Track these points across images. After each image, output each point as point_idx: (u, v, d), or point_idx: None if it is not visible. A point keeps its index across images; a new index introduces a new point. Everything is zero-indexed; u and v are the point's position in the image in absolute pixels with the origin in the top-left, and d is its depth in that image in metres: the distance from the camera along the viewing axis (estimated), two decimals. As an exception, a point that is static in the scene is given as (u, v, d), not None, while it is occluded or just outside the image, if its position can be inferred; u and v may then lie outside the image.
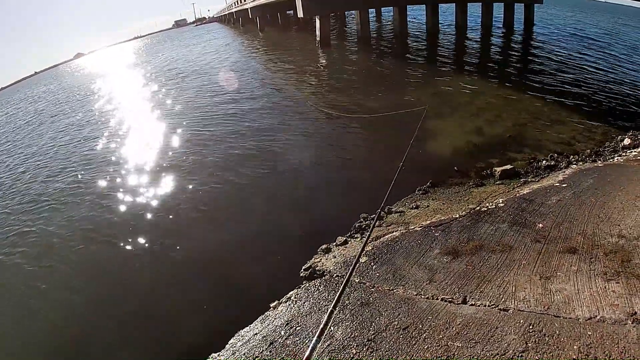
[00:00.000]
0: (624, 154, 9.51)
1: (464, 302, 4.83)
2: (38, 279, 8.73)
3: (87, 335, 7.07)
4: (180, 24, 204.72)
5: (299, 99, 17.52)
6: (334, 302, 3.73)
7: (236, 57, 33.71)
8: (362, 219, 7.49)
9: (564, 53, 23.11)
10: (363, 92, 16.26)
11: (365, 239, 4.98)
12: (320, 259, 6.58)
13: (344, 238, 6.99)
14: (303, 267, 6.51)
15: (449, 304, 4.84)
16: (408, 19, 31.16)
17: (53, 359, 6.76)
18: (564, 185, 7.72)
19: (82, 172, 14.24)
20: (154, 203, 10.59)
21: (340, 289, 3.89)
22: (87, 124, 22.16)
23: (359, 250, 4.51)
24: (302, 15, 27.69)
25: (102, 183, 12.76)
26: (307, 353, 3.08)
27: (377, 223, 7.19)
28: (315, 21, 28.79)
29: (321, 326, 3.46)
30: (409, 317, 4.75)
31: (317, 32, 28.68)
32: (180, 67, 34.21)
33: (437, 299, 4.95)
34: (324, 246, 6.89)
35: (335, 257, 6.50)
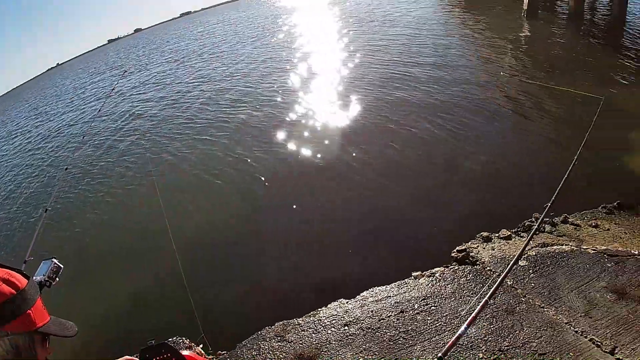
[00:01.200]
0: None
1: (612, 352, 4.58)
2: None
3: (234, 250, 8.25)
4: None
5: (489, 69, 16.71)
6: (491, 292, 3.74)
7: (432, 11, 32.56)
8: (533, 219, 7.17)
9: None
10: (561, 75, 14.79)
11: (525, 241, 4.78)
12: (477, 246, 6.57)
13: (509, 232, 6.83)
14: (457, 248, 6.55)
15: (595, 348, 4.61)
16: (629, 2, 26.63)
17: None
18: None
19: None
20: (320, 149, 11.56)
21: (495, 285, 3.90)
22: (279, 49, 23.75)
23: (519, 252, 4.41)
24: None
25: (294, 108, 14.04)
26: (453, 339, 3.29)
27: (547, 228, 6.96)
28: (526, -13, 26.14)
29: (473, 314, 3.58)
30: (551, 344, 4.64)
31: (525, 0, 26.10)
32: (374, 14, 34.12)
33: (586, 337, 4.76)
34: (484, 234, 6.82)
35: (493, 250, 6.43)
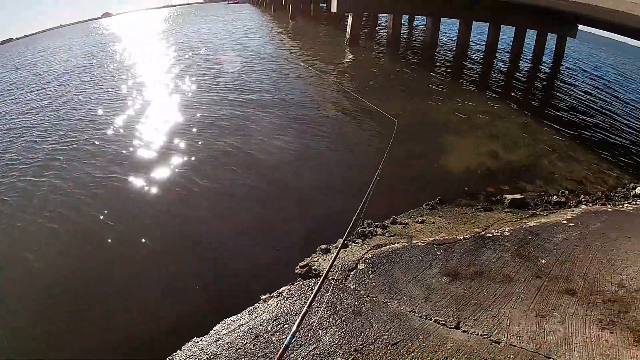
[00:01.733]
0: (635, 202, 9.43)
1: (457, 327, 4.80)
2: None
3: (73, 301, 7.09)
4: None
5: (314, 92, 17.47)
6: (307, 305, 3.75)
7: (263, 41, 33.76)
8: (365, 225, 7.45)
9: (588, 91, 23.13)
10: (382, 97, 16.13)
11: (334, 255, 4.81)
12: (318, 259, 6.54)
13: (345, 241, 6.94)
14: (299, 264, 6.47)
15: (441, 327, 4.81)
16: (440, 31, 31.02)
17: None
18: (571, 224, 7.65)
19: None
20: (155, 178, 10.54)
21: (312, 294, 3.92)
22: (102, 82, 22.22)
23: (329, 264, 4.52)
24: (335, 10, 27.53)
25: (113, 147, 12.80)
26: (278, 354, 3.12)
27: (379, 232, 7.18)
28: (348, 18, 28.65)
29: (294, 327, 3.50)
30: (400, 333, 4.71)
31: (348, 30, 28.53)
32: (206, 43, 34.17)
33: (431, 319, 4.92)
34: (323, 246, 6.86)
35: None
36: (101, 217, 9.11)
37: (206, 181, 10.19)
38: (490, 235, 7.04)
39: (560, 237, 7.09)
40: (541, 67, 29.45)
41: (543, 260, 6.30)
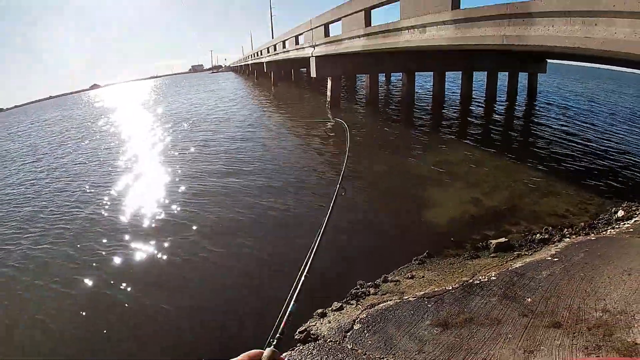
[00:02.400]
0: (617, 226, 9.81)
1: None
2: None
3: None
4: (197, 69, 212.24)
5: (308, 159, 18.01)
6: None
7: (248, 109, 34.97)
8: (358, 286, 7.72)
9: (561, 124, 24.06)
10: (367, 157, 16.71)
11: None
12: (315, 323, 6.79)
13: (340, 304, 7.20)
14: (298, 330, 6.68)
15: None
16: (415, 85, 32.31)
17: None
18: (555, 259, 7.98)
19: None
20: (146, 242, 10.71)
21: None
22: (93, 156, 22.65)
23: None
24: (314, 75, 28.94)
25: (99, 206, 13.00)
26: None
27: (371, 291, 7.48)
28: (327, 82, 29.90)
29: None
30: None
31: (328, 93, 29.80)
32: (192, 114, 35.18)
33: (424, 369, 5.18)
34: (319, 310, 7.09)
35: (330, 322, 6.70)
36: (97, 284, 9.13)
37: (198, 243, 10.37)
38: (478, 282, 7.34)
39: (545, 273, 7.40)
40: (516, 107, 30.61)
41: (529, 299, 6.59)
